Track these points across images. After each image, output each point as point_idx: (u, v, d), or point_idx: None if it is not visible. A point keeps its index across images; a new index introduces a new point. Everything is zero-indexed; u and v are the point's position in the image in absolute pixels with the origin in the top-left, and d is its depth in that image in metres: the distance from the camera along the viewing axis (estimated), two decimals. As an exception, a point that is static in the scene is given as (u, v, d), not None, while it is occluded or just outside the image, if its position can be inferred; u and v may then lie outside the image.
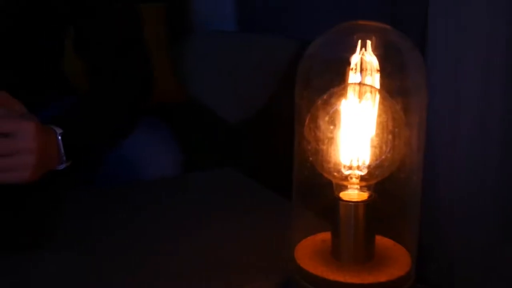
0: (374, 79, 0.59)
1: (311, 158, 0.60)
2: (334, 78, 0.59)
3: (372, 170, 0.59)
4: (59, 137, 0.84)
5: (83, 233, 0.79)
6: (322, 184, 0.62)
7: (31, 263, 0.70)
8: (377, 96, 0.58)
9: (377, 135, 0.58)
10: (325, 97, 0.58)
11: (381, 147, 0.58)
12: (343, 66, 0.59)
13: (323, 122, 0.58)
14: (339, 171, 0.59)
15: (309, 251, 0.64)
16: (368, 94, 0.58)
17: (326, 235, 0.65)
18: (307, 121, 0.59)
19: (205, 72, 1.91)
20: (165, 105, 1.80)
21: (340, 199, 0.61)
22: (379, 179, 0.60)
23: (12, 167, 0.75)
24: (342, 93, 0.58)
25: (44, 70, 1.14)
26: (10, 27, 0.97)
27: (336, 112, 0.58)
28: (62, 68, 1.19)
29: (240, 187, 0.98)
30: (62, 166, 0.86)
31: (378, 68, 0.58)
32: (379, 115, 0.58)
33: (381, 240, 0.65)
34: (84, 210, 0.87)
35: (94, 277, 0.67)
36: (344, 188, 0.61)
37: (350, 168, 0.60)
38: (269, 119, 1.78)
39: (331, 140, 0.58)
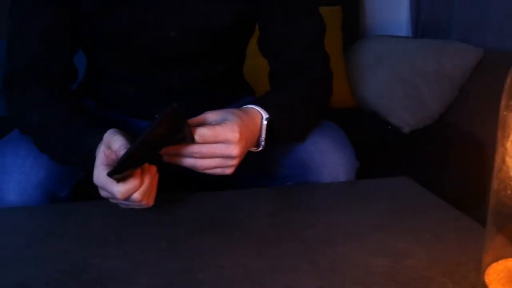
0: None
1: (516, 177, 0.55)
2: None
3: None
4: (264, 122, 0.89)
5: (253, 230, 0.81)
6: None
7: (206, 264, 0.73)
8: None
9: None
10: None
11: None
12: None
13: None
14: (547, 194, 0.54)
15: (502, 277, 0.60)
16: None
17: (522, 261, 0.60)
18: (514, 136, 0.54)
19: (378, 77, 1.87)
20: (338, 110, 1.80)
21: (544, 224, 0.55)
22: None
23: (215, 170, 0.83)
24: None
25: (236, 69, 1.20)
26: (227, 28, 1.04)
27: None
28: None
29: (418, 198, 0.94)
30: (258, 149, 0.91)
31: None
32: None
33: None
34: (256, 208, 0.89)
35: (264, 276, 0.68)
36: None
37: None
38: (447, 128, 1.70)
39: (542, 159, 0.53)
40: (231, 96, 1.19)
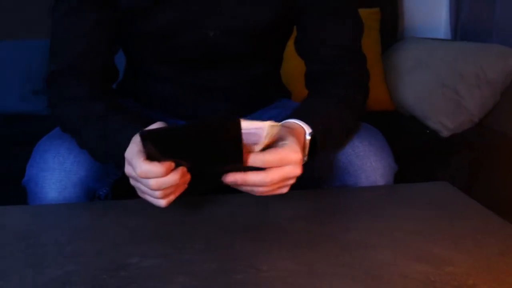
0: None
1: None
2: None
3: None
4: (308, 137, 0.87)
5: (291, 233, 0.81)
6: None
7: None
8: None
9: None
10: None
11: None
12: None
13: None
14: None
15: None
16: None
17: None
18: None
19: (417, 80, 1.84)
20: (376, 112, 1.78)
21: None
22: None
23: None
24: None
25: (274, 71, 1.20)
26: (268, 24, 1.04)
27: None
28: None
29: (458, 204, 0.92)
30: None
31: None
32: None
33: None
34: (294, 211, 0.88)
35: (301, 280, 0.68)
36: None
37: None
38: (487, 133, 1.67)
39: None
40: (268, 98, 1.19)
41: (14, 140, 1.59)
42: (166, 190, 0.77)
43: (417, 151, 1.57)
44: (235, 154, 0.75)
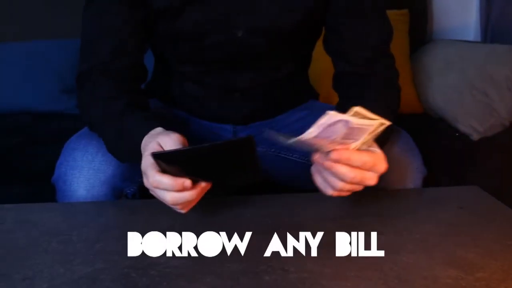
0: None
1: None
2: None
3: None
4: None
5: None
6: None
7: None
8: None
9: None
10: None
11: None
12: None
13: None
14: None
15: None
16: None
17: None
18: None
19: (446, 83, 1.82)
20: (404, 115, 1.76)
21: None
22: None
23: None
24: None
25: (302, 71, 1.20)
26: (297, 26, 1.03)
27: None
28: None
29: (488, 209, 0.91)
30: None
31: None
32: None
33: None
34: (321, 213, 0.88)
35: (330, 282, 0.68)
36: None
37: None
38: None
39: None
40: (296, 99, 1.18)
41: (44, 139, 1.61)
42: (183, 204, 0.77)
43: (447, 155, 1.55)
44: (252, 171, 0.76)
